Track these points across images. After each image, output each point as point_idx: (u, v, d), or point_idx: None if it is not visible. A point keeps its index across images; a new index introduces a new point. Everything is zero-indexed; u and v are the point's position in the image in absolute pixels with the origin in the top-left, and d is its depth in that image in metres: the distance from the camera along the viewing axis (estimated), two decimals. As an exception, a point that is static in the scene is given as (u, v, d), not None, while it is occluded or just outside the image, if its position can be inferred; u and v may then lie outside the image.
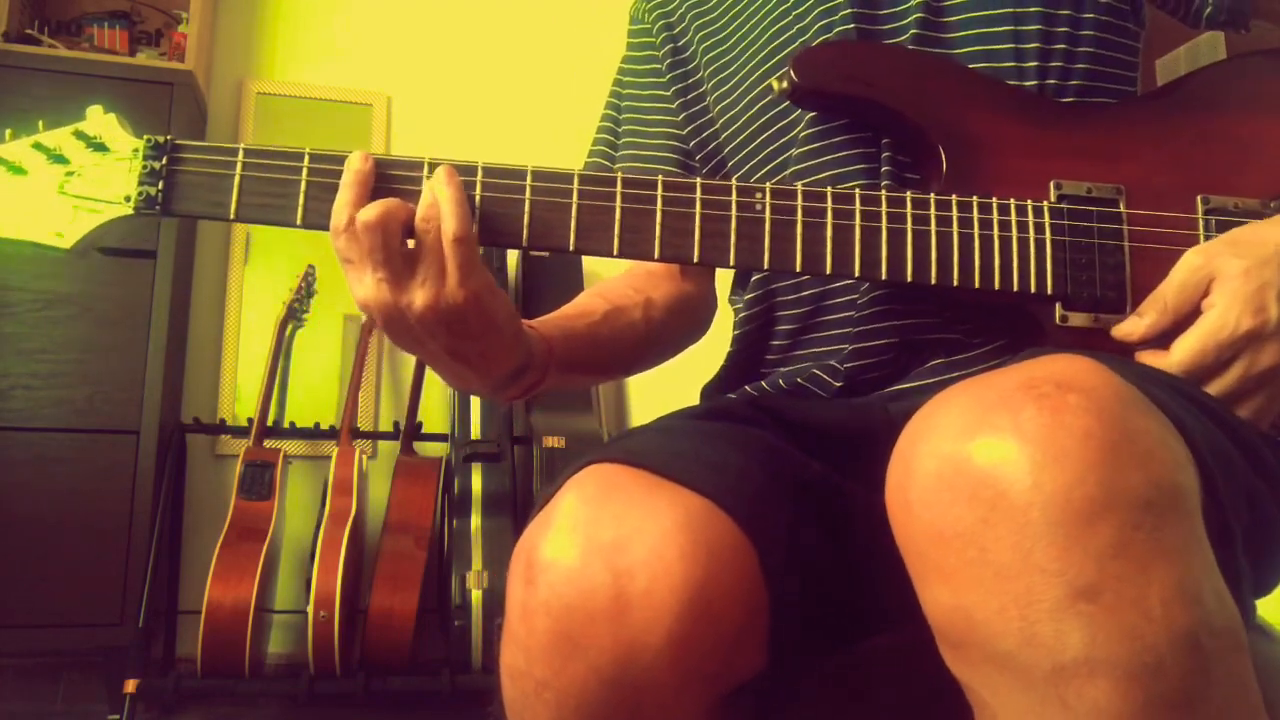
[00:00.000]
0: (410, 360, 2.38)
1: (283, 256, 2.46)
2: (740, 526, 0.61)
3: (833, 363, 0.81)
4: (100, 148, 0.71)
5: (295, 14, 2.65)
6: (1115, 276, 0.75)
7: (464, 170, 0.70)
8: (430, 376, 2.38)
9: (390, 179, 0.70)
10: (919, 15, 0.82)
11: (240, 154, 0.70)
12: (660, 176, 0.73)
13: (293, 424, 2.32)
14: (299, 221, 0.70)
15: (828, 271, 0.73)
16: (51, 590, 1.95)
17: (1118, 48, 0.84)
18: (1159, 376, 0.63)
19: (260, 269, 2.47)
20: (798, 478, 0.69)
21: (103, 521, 1.99)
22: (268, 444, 2.17)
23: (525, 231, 0.71)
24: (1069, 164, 0.77)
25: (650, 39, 1.01)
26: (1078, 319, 0.74)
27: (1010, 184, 0.76)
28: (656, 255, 0.72)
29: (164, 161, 0.70)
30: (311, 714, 1.97)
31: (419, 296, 0.67)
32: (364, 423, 2.39)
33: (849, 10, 0.83)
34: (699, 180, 0.73)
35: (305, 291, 2.31)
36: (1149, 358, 0.70)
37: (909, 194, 0.74)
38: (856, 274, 0.73)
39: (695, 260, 0.72)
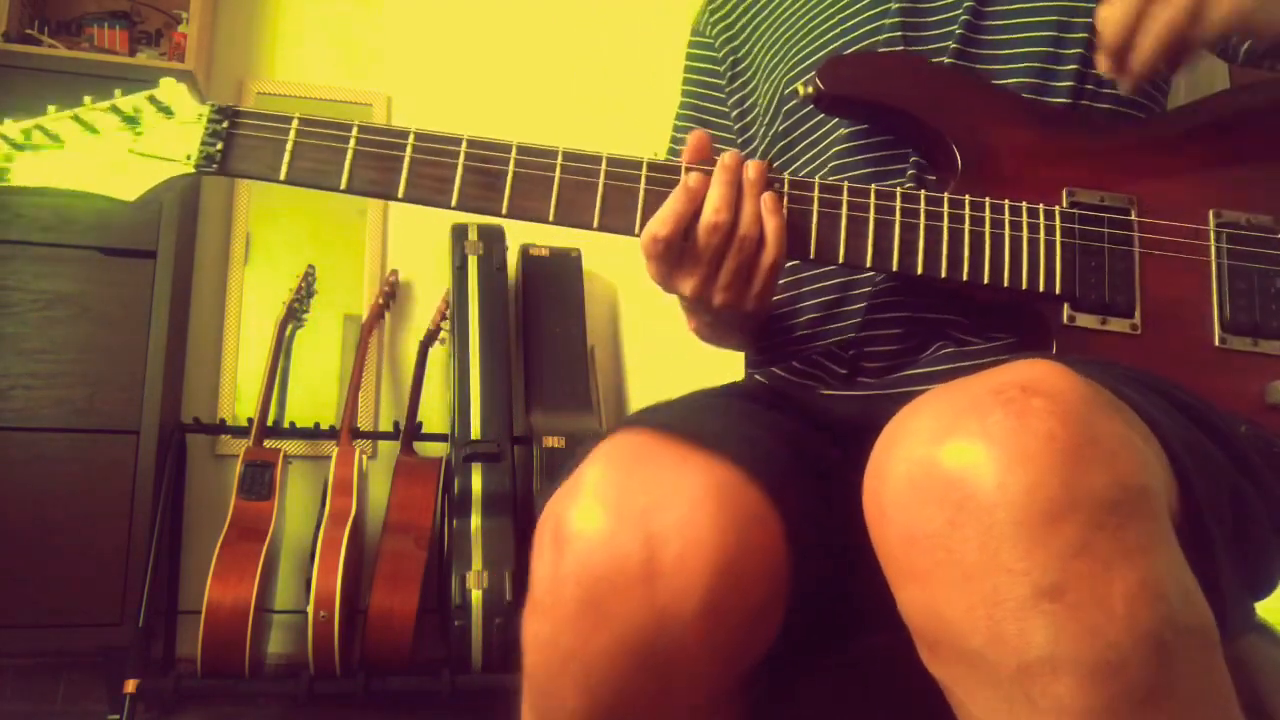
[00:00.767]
0: (410, 360, 2.38)
1: (283, 256, 2.46)
2: (769, 498, 0.61)
3: (844, 343, 0.83)
4: (168, 112, 0.78)
5: (295, 14, 2.65)
6: (1124, 281, 0.75)
7: (544, 153, 0.76)
8: (430, 376, 2.38)
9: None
10: (961, 31, 0.84)
11: (295, 122, 0.76)
12: (681, 163, 0.76)
13: (293, 424, 2.32)
14: (343, 186, 0.75)
15: (840, 261, 0.75)
16: (51, 590, 1.95)
17: None
18: (1138, 377, 0.64)
19: (260, 269, 2.47)
20: (818, 462, 0.70)
21: (103, 522, 1.99)
22: (268, 444, 2.16)
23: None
24: (1083, 174, 0.78)
25: (713, 52, 1.04)
26: (1085, 320, 0.75)
27: (1023, 190, 0.78)
28: None
29: (225, 125, 0.77)
30: (311, 714, 1.97)
31: (719, 297, 0.75)
32: (364, 423, 2.39)
33: (897, 19, 0.85)
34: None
35: (305, 291, 2.31)
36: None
37: (923, 192, 0.76)
38: (868, 265, 0.75)
39: None
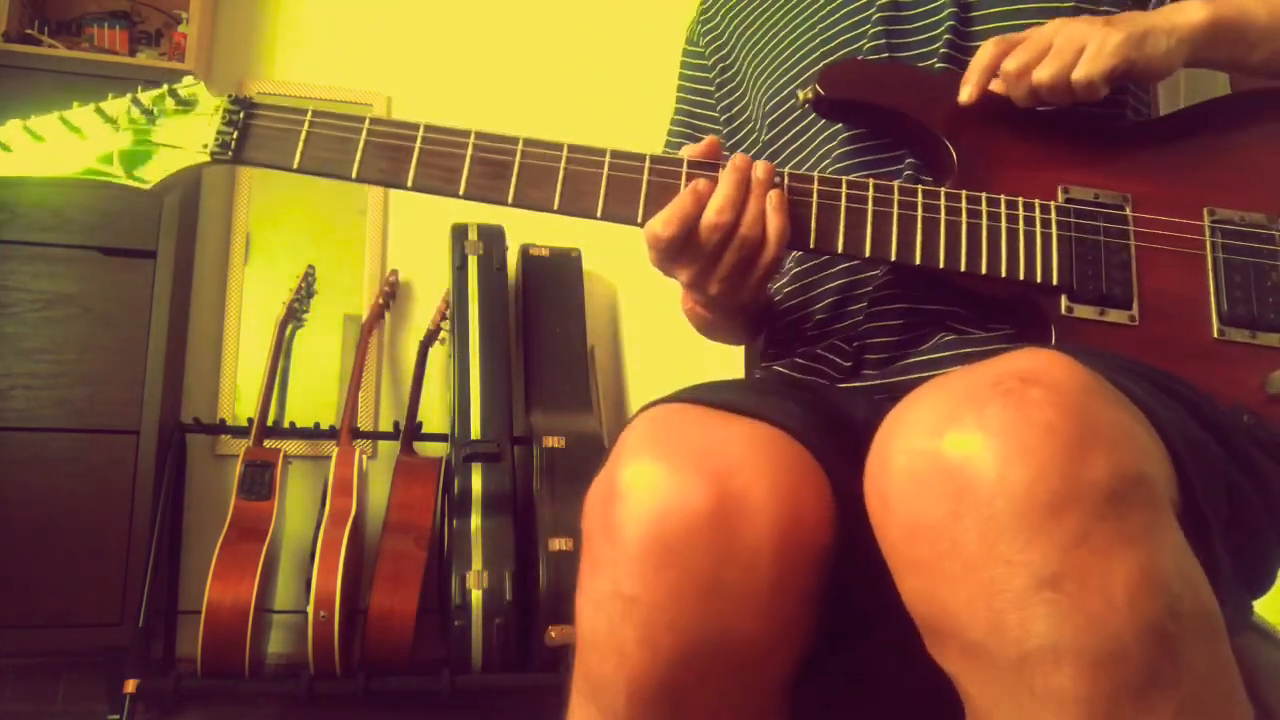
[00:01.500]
0: (410, 360, 2.39)
1: (283, 256, 2.46)
2: (815, 456, 0.61)
3: (850, 334, 0.84)
4: (187, 104, 0.81)
5: (295, 14, 2.65)
6: (1121, 274, 0.76)
7: (550, 146, 0.77)
8: (430, 376, 2.38)
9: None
10: (949, 37, 0.85)
11: (309, 114, 0.79)
12: (683, 156, 0.78)
13: (293, 424, 2.32)
14: (354, 175, 0.77)
15: (839, 250, 0.76)
16: (51, 590, 1.95)
17: None
18: (1135, 368, 0.64)
19: (260, 269, 2.47)
20: (847, 435, 0.70)
21: (103, 521, 1.99)
22: (268, 444, 2.16)
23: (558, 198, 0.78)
24: (1078, 174, 0.79)
25: (704, 60, 1.06)
26: (1083, 311, 0.75)
27: (1020, 191, 0.78)
28: None
29: (241, 115, 0.79)
30: (311, 714, 1.97)
31: (716, 287, 0.76)
32: (364, 423, 2.39)
33: (879, 28, 0.87)
34: (720, 161, 0.78)
35: (305, 291, 2.31)
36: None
37: (920, 187, 0.77)
38: (866, 254, 0.76)
39: None
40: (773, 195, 0.74)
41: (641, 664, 0.55)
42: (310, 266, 2.33)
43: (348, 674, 1.94)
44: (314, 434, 2.31)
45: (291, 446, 2.28)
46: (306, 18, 2.65)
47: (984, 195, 0.76)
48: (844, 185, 0.77)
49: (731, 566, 0.54)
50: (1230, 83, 1.01)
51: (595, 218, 0.76)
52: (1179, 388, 0.64)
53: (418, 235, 2.57)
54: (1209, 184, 0.79)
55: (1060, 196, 0.78)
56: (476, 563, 2.02)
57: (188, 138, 0.80)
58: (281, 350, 2.26)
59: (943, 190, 0.77)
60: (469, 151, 0.77)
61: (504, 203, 0.77)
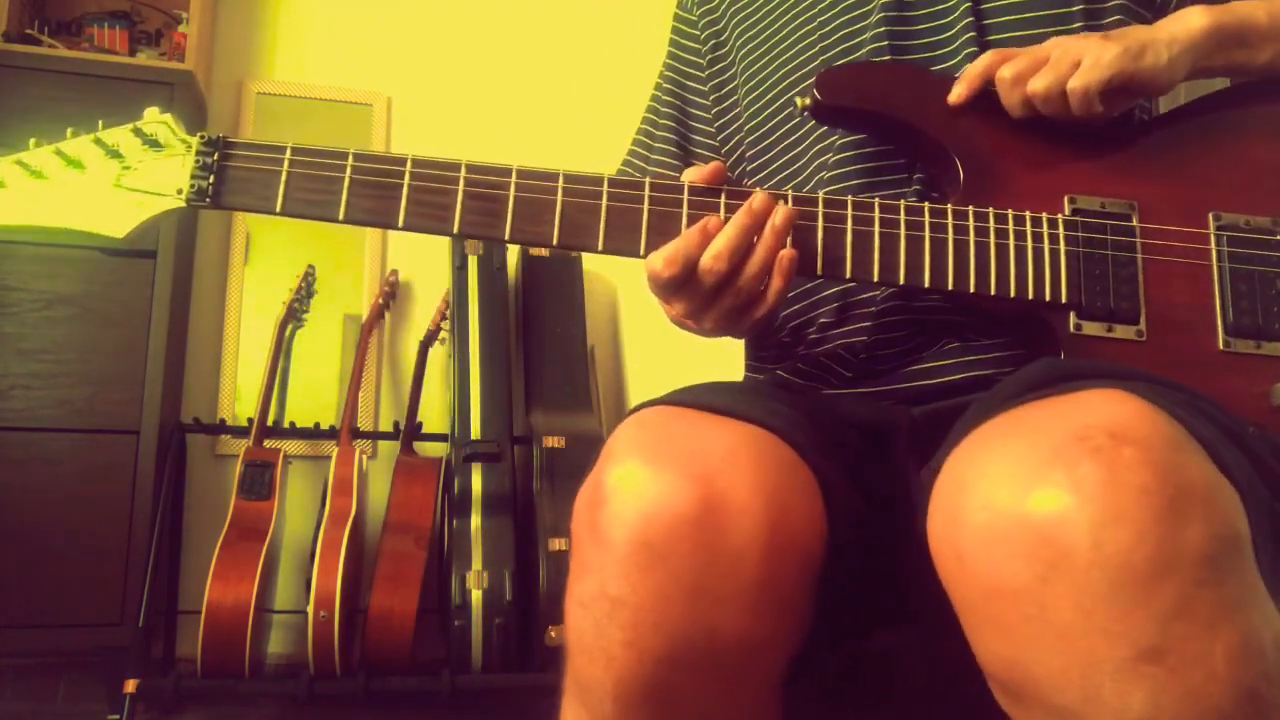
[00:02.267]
0: (410, 360, 2.39)
1: (283, 256, 2.46)
2: (802, 457, 0.60)
3: (854, 343, 0.83)
4: (155, 144, 0.75)
5: (295, 14, 2.65)
6: (1128, 288, 0.76)
7: (546, 176, 0.75)
8: (430, 376, 2.38)
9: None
10: (970, 34, 0.83)
11: (288, 151, 0.74)
12: (682, 180, 0.76)
13: (293, 424, 2.31)
14: (341, 217, 0.74)
15: (848, 276, 0.75)
16: (51, 590, 1.94)
17: None
18: (1195, 403, 0.62)
19: (260, 269, 2.47)
20: (840, 441, 0.70)
21: (103, 521, 1.99)
22: (268, 444, 2.16)
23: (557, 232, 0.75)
24: (1083, 180, 0.78)
25: (695, 30, 1.03)
26: (1091, 328, 0.75)
27: (1026, 198, 0.78)
28: None
29: (215, 157, 0.74)
30: (311, 714, 1.97)
31: (708, 324, 0.75)
32: (364, 423, 2.39)
33: (882, 29, 0.85)
34: (723, 187, 0.75)
35: (305, 291, 2.31)
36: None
37: (926, 205, 0.76)
38: (875, 279, 0.75)
39: None
40: (782, 256, 0.72)
41: (628, 665, 0.54)
42: (310, 266, 2.33)
43: (348, 674, 1.94)
44: (314, 434, 2.31)
45: (291, 446, 2.28)
46: (307, 18, 2.65)
47: (991, 212, 0.76)
48: (850, 207, 0.75)
49: (717, 567, 0.54)
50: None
51: (597, 251, 0.74)
52: (1218, 414, 0.63)
53: (417, 235, 2.56)
54: (1213, 186, 0.78)
55: (1067, 207, 0.77)
56: (476, 563, 2.02)
57: (159, 180, 0.75)
58: (281, 350, 2.26)
59: (950, 208, 0.76)
60: (460, 186, 0.74)
61: (501, 240, 0.75)
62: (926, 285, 0.74)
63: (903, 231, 0.75)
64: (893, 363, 0.81)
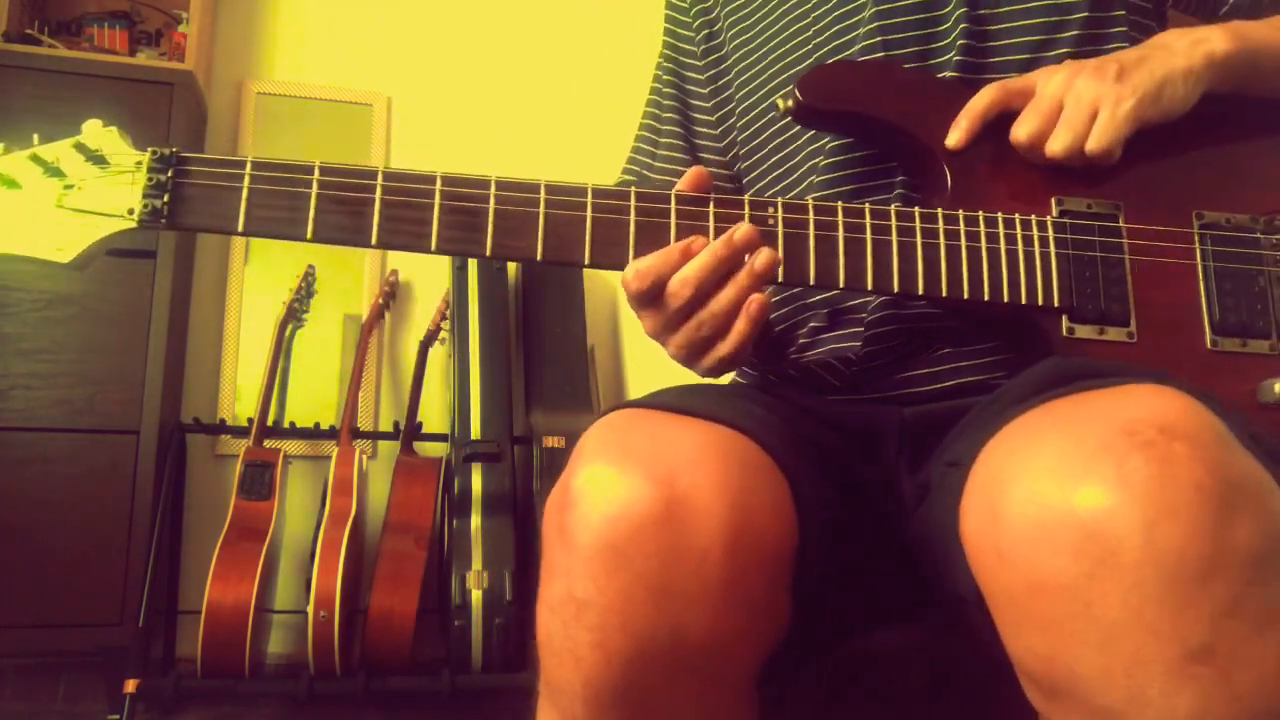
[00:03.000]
0: (410, 360, 2.39)
1: (283, 256, 2.46)
2: (772, 457, 0.60)
3: (846, 350, 0.82)
4: (100, 160, 0.69)
5: (295, 14, 2.65)
6: (1119, 289, 0.76)
7: (526, 186, 0.72)
8: (430, 376, 2.38)
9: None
10: (964, 43, 0.82)
11: (248, 166, 0.69)
12: (671, 191, 0.74)
13: (293, 424, 2.31)
14: (309, 236, 0.69)
15: (840, 285, 0.74)
16: (51, 590, 1.95)
17: None
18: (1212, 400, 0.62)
19: (260, 269, 2.47)
20: (817, 442, 0.69)
21: (103, 521, 1.99)
22: (268, 444, 2.16)
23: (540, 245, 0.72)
24: (1069, 181, 0.78)
25: (687, 18, 1.01)
26: (1084, 331, 0.75)
27: (1013, 200, 0.77)
28: None
29: (169, 174, 0.69)
30: (311, 714, 1.97)
31: (671, 349, 0.73)
32: (364, 423, 2.39)
33: (873, 25, 0.83)
34: (711, 196, 0.74)
35: (305, 291, 2.31)
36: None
37: (917, 210, 0.75)
38: (869, 287, 0.74)
39: None
40: (752, 301, 0.68)
41: (596, 667, 0.54)
42: (310, 266, 2.33)
43: (348, 674, 1.94)
44: (314, 434, 2.31)
45: (291, 446, 2.28)
46: (307, 18, 2.65)
47: (981, 215, 0.75)
48: (840, 213, 0.74)
49: (681, 567, 0.54)
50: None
51: (583, 265, 0.72)
52: (1228, 413, 0.63)
53: (418, 235, 2.57)
54: (1197, 184, 0.79)
55: (1055, 209, 0.77)
56: (476, 563, 2.02)
57: (107, 200, 0.68)
58: (281, 350, 2.26)
59: (940, 212, 0.75)
60: (436, 200, 0.70)
61: (481, 256, 0.71)
62: (920, 292, 0.73)
63: (894, 238, 0.74)
64: (885, 370, 0.80)
